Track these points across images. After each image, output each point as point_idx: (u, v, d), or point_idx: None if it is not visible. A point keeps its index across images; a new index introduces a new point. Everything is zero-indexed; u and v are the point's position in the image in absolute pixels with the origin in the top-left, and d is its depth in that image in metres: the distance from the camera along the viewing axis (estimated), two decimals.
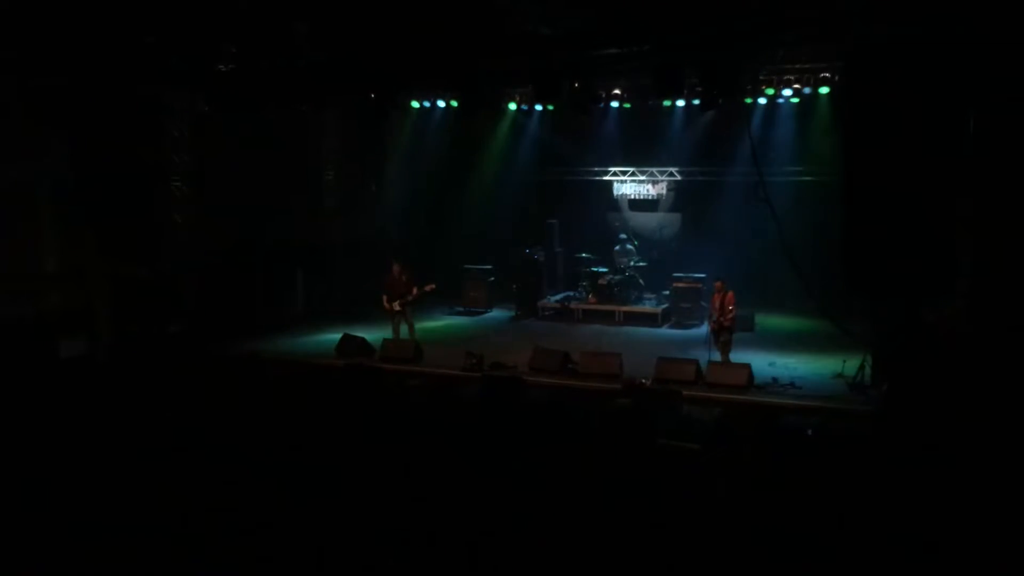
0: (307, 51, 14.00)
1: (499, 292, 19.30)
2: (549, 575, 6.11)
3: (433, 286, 14.94)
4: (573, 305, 18.49)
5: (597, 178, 20.16)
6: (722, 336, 13.14)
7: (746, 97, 14.91)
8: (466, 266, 19.21)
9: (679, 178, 19.37)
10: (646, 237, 19.70)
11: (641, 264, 18.73)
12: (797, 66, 14.20)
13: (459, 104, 16.31)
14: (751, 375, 12.35)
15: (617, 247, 19.12)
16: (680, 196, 19.70)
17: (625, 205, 20.30)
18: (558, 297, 19.17)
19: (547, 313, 18.62)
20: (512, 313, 18.93)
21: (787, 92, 14.63)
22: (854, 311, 12.96)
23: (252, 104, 15.27)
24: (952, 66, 10.50)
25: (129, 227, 14.63)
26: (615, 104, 16.28)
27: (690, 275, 17.25)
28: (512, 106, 17.57)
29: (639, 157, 19.58)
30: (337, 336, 14.95)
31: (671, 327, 17.28)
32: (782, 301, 16.85)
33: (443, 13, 12.37)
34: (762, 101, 15.44)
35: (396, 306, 14.74)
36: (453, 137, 19.05)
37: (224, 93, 15.25)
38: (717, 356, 13.08)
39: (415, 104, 17.34)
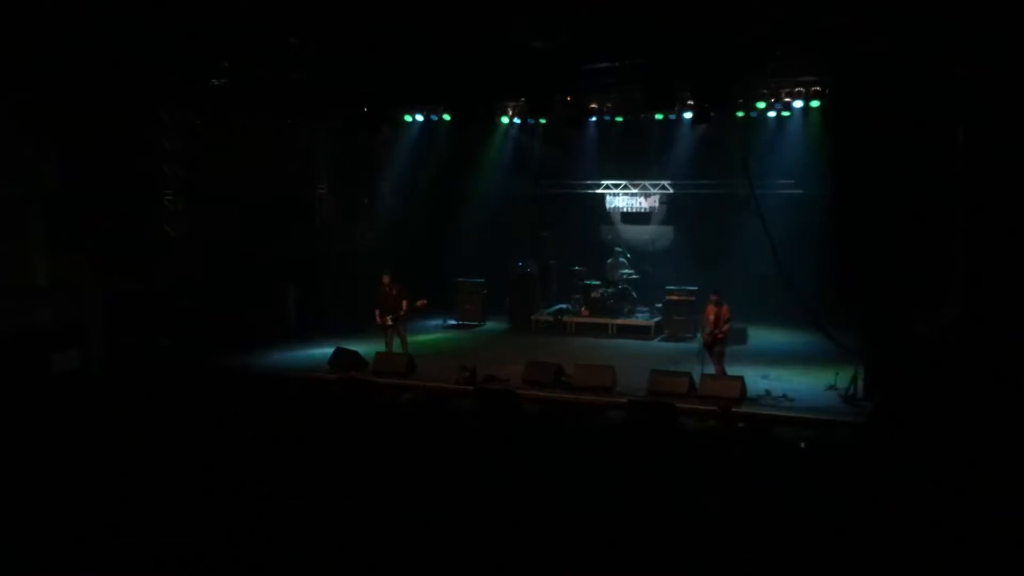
0: (300, 66, 14.03)
1: (492, 305, 19.27)
2: None
3: (424, 302, 14.94)
4: (566, 318, 18.52)
5: (589, 191, 20.19)
6: (716, 348, 13.16)
7: (738, 111, 14.97)
8: (459, 279, 19.20)
9: (671, 191, 19.42)
10: (639, 250, 19.73)
11: (634, 277, 18.77)
12: (788, 80, 14.27)
13: (451, 118, 16.38)
14: (744, 387, 12.37)
15: (610, 260, 19.16)
16: (672, 209, 19.75)
17: (618, 218, 20.34)
18: (551, 310, 19.18)
19: (540, 326, 18.63)
20: (505, 326, 18.94)
21: (778, 106, 14.72)
22: (846, 323, 12.98)
23: (245, 118, 15.27)
24: (941, 78, 10.59)
25: (122, 241, 14.59)
26: (607, 117, 16.32)
27: (683, 288, 17.29)
28: (504, 119, 17.63)
29: (631, 170, 19.62)
30: (330, 350, 14.92)
31: (664, 340, 17.30)
32: (775, 313, 16.86)
33: (436, 27, 12.43)
34: (753, 115, 15.49)
35: (388, 320, 14.73)
36: (446, 150, 19.08)
37: (217, 107, 15.27)
38: (710, 369, 13.08)
39: (407, 118, 17.38)
